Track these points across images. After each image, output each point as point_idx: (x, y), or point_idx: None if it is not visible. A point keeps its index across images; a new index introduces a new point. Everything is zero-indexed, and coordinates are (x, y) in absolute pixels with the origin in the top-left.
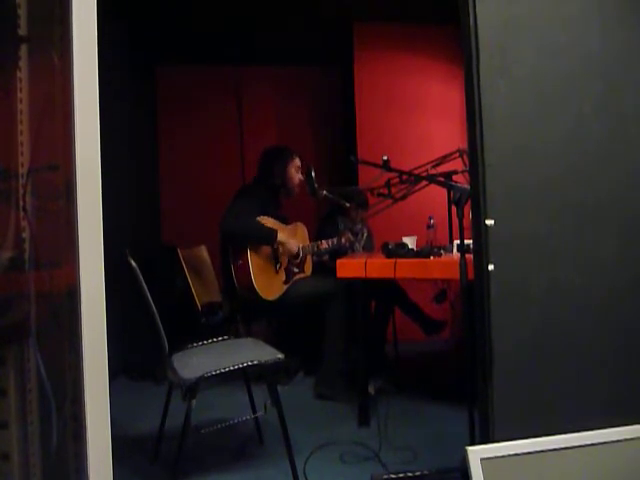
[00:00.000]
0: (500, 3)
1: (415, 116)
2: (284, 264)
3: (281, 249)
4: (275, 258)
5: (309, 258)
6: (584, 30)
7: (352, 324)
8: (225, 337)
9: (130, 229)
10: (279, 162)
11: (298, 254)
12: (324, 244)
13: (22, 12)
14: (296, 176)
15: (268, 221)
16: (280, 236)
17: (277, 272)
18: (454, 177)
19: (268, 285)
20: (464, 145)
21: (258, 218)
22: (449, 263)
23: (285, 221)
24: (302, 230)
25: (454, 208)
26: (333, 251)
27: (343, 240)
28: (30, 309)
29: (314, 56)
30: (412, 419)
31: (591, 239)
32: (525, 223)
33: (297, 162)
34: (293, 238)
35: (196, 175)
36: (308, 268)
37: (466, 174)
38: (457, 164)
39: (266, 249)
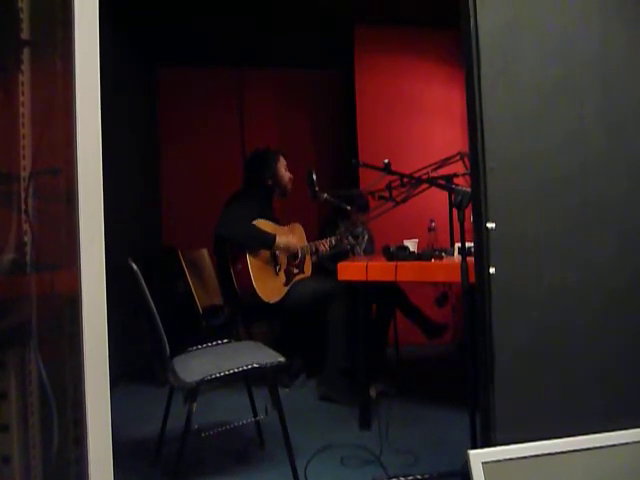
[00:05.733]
0: (501, 7)
1: (416, 119)
2: (283, 266)
3: (279, 253)
4: (274, 260)
5: (308, 258)
6: (584, 33)
7: (354, 325)
8: (226, 340)
9: (131, 232)
10: (267, 164)
11: (298, 254)
12: (322, 245)
13: (24, 16)
14: (286, 174)
15: (265, 224)
16: (279, 240)
17: (277, 274)
18: (455, 180)
19: (269, 288)
20: (465, 148)
21: (255, 222)
22: (450, 266)
23: (279, 223)
24: (299, 230)
25: (455, 211)
26: (335, 254)
27: (344, 241)
28: (31, 312)
29: (315, 59)
30: (413, 422)
31: (592, 242)
32: (526, 226)
33: (283, 161)
34: (291, 238)
35: (197, 178)
36: (308, 268)
37: (467, 177)
38: (458, 167)
39: (264, 252)
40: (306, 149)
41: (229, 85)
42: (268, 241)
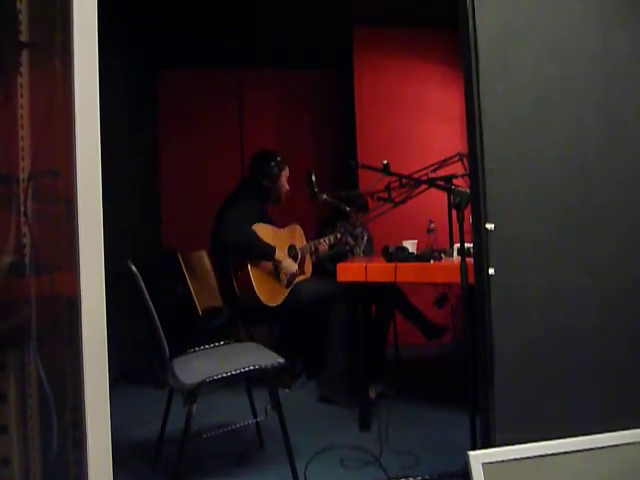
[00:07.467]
0: (500, 8)
1: (415, 120)
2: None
3: (279, 266)
4: (275, 265)
5: (308, 258)
6: (584, 34)
7: (353, 327)
8: (226, 341)
9: (131, 234)
10: (273, 167)
11: (296, 273)
12: (321, 244)
13: (23, 18)
14: (285, 185)
15: (265, 228)
16: (278, 254)
17: (278, 278)
18: (454, 181)
19: (271, 292)
20: (464, 149)
21: (255, 226)
22: (450, 267)
23: (276, 226)
24: (299, 231)
25: (454, 212)
26: (334, 255)
27: (342, 240)
28: (31, 314)
29: (315, 60)
30: (413, 423)
31: (591, 242)
32: (525, 227)
33: (287, 172)
34: (291, 241)
35: (197, 179)
36: (308, 269)
37: (466, 178)
38: (457, 168)
39: None
40: (305, 149)
41: (229, 86)
42: (268, 253)
